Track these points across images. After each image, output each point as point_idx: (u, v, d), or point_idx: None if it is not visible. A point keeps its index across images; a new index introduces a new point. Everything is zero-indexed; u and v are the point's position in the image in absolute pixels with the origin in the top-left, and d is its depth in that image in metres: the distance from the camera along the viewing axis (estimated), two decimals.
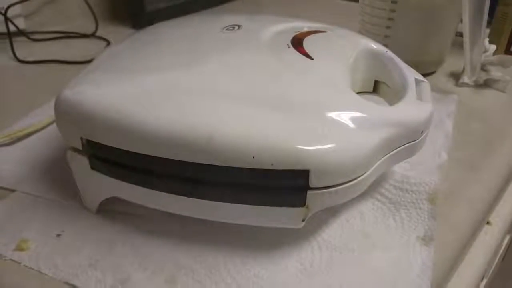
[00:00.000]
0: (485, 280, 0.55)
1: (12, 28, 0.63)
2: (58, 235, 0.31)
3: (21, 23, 0.66)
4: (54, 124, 0.44)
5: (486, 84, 0.55)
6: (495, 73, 0.54)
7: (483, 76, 0.55)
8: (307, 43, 0.34)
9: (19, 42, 0.64)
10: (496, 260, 0.57)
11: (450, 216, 0.35)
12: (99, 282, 0.28)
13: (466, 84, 0.55)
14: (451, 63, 0.60)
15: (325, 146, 0.26)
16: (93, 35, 0.69)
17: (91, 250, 0.30)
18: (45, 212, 0.33)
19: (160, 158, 0.27)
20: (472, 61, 0.52)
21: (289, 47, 0.33)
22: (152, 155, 0.27)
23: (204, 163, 0.26)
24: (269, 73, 0.30)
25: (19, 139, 0.42)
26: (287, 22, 0.38)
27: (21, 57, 0.60)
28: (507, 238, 0.63)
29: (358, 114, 0.28)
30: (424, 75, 0.35)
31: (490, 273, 0.55)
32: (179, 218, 0.31)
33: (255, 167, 0.25)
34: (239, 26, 0.36)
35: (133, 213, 0.33)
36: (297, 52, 0.33)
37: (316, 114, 0.27)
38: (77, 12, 0.72)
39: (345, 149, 0.26)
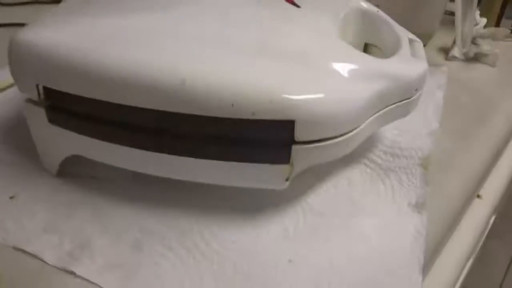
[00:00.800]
0: (471, 259, 0.53)
1: None
2: (11, 197, 0.28)
3: None
4: (15, 87, 0.40)
5: (476, 58, 0.53)
6: (485, 46, 0.52)
7: (474, 50, 0.53)
8: None
9: None
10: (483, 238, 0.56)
11: (442, 184, 0.32)
12: (54, 247, 0.25)
13: (456, 58, 0.53)
14: (441, 37, 0.58)
15: (313, 96, 0.23)
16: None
17: (47, 214, 0.27)
18: (0, 174, 0.30)
19: (125, 106, 0.23)
20: (463, 33, 0.50)
21: None
22: (116, 102, 0.23)
23: (175, 111, 0.23)
24: (253, 18, 0.27)
25: None
26: None
27: None
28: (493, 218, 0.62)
29: (349, 63, 0.25)
30: None
31: (477, 251, 0.54)
32: (147, 181, 0.28)
33: (234, 116, 0.22)
34: None
35: (96, 176, 0.29)
36: (284, 1, 0.30)
37: (303, 62, 0.24)
38: None
39: (335, 100, 0.24)
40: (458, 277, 0.36)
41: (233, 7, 0.28)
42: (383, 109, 0.27)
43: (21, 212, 0.27)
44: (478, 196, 0.41)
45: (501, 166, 0.46)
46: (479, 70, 0.52)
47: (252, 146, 0.24)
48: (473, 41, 0.53)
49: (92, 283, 0.23)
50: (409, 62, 0.29)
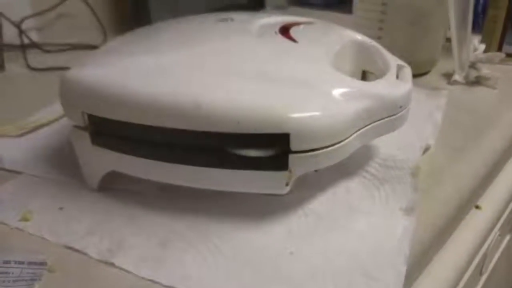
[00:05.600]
0: (484, 275, 0.55)
1: (26, 40, 0.67)
2: (61, 209, 0.33)
3: (34, 36, 0.70)
4: (60, 120, 0.47)
5: (477, 81, 0.57)
6: (485, 70, 0.56)
7: (474, 74, 0.57)
8: (293, 31, 0.37)
9: (32, 53, 0.68)
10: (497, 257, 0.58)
11: (435, 192, 0.36)
12: (96, 245, 0.30)
13: (458, 82, 0.57)
14: (444, 65, 0.62)
15: (304, 114, 0.28)
16: None
17: (90, 220, 0.32)
18: (49, 190, 0.36)
19: (152, 126, 0.29)
20: (460, 58, 0.54)
21: (276, 34, 0.36)
22: (148, 124, 0.29)
23: (192, 129, 0.28)
24: (255, 52, 0.32)
25: (29, 131, 0.45)
26: (278, 17, 0.41)
27: (33, 66, 0.63)
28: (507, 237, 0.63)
29: (337, 86, 0.30)
30: (417, 75, 0.37)
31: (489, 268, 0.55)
32: (172, 191, 0.33)
33: (240, 131, 0.28)
34: (232, 19, 0.39)
35: (130, 190, 0.35)
36: (283, 37, 0.35)
37: (296, 85, 0.29)
38: (87, 26, 0.76)
39: (323, 116, 0.28)
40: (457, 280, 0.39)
41: (238, 43, 0.34)
42: (371, 124, 0.32)
43: (69, 219, 0.32)
44: (477, 207, 0.44)
45: (502, 179, 0.49)
46: (480, 93, 0.56)
47: (255, 156, 0.28)
48: (474, 66, 0.57)
49: (128, 272, 0.28)
50: (392, 83, 0.33)
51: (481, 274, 0.53)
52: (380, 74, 0.38)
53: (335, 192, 0.35)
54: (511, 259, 0.71)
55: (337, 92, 0.30)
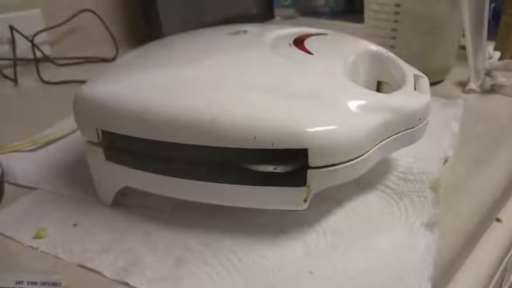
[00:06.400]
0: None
1: (38, 54, 0.67)
2: (75, 225, 0.33)
3: (47, 50, 0.71)
4: (73, 134, 0.47)
5: (493, 89, 0.56)
6: (501, 78, 0.55)
7: (489, 82, 0.56)
8: (308, 42, 0.36)
9: (45, 67, 0.68)
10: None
11: (456, 206, 0.35)
12: (111, 264, 0.29)
13: (473, 90, 0.56)
14: (459, 73, 0.61)
15: (323, 128, 0.27)
16: (113, 60, 0.73)
17: (104, 237, 0.32)
18: (63, 206, 0.35)
19: (167, 143, 0.28)
20: (475, 66, 0.53)
21: (290, 46, 0.35)
22: (162, 140, 0.29)
23: (207, 145, 0.28)
24: (270, 65, 0.32)
25: (42, 145, 0.45)
26: (291, 28, 0.41)
27: (46, 80, 0.64)
28: None
29: (355, 99, 0.29)
30: (431, 83, 0.37)
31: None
32: (187, 207, 0.33)
33: (256, 147, 0.27)
34: (245, 31, 0.39)
35: (144, 206, 0.34)
36: (298, 49, 0.35)
37: (314, 99, 0.29)
38: (99, 39, 0.76)
39: (341, 131, 0.28)
40: None
41: (253, 56, 0.33)
42: (389, 137, 0.31)
43: (83, 237, 0.32)
44: (498, 220, 0.42)
45: None
46: (496, 101, 0.55)
47: (272, 171, 0.28)
48: (489, 74, 0.56)
49: None
50: (411, 95, 0.32)
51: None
52: (396, 84, 0.38)
53: (353, 207, 0.34)
54: None
55: (355, 105, 0.29)
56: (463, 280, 0.35)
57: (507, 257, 0.48)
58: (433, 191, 0.35)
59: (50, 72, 0.66)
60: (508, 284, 0.55)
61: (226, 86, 0.29)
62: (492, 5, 0.73)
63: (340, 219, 0.33)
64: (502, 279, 0.50)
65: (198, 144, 0.28)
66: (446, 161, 0.40)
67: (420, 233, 0.31)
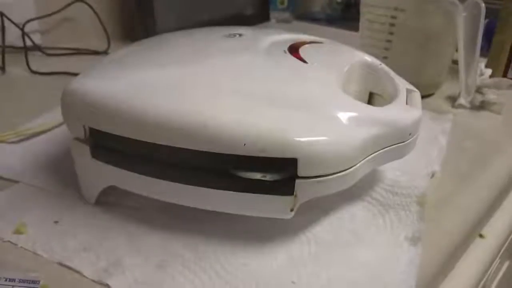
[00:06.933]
0: None
1: (28, 43, 0.66)
2: (56, 222, 0.32)
3: (38, 38, 0.69)
4: (60, 127, 0.46)
5: (482, 106, 0.57)
6: (491, 95, 0.56)
7: (479, 98, 0.56)
8: (303, 50, 0.36)
9: (34, 56, 0.67)
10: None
11: (441, 221, 0.35)
12: (92, 264, 0.29)
13: (463, 106, 0.56)
14: (449, 87, 0.62)
15: (314, 138, 0.27)
16: (105, 53, 0.72)
17: (86, 236, 0.31)
18: (45, 201, 0.34)
19: (156, 144, 0.28)
20: (467, 82, 0.53)
21: (285, 53, 0.35)
22: (150, 141, 0.28)
23: (197, 149, 0.27)
24: (264, 71, 0.32)
25: (27, 138, 0.44)
26: (287, 34, 0.40)
27: (34, 69, 0.63)
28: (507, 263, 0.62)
29: (348, 111, 0.29)
30: (422, 96, 0.37)
31: None
32: (172, 210, 0.32)
33: (246, 154, 0.27)
34: (240, 35, 0.38)
35: (129, 206, 0.34)
36: (292, 57, 0.34)
37: (306, 109, 0.29)
38: (91, 31, 0.75)
39: (332, 142, 0.28)
40: None
41: (248, 62, 0.33)
42: (379, 150, 0.31)
43: (64, 234, 0.31)
44: (481, 236, 0.43)
45: (506, 207, 0.48)
46: (485, 118, 0.55)
47: (260, 179, 0.28)
48: (479, 90, 0.57)
49: None
50: (403, 110, 0.33)
51: None
52: (388, 97, 0.38)
53: (339, 217, 0.34)
54: (510, 285, 0.70)
55: (347, 117, 0.29)
56: None
57: (488, 273, 0.48)
58: (419, 206, 0.35)
59: (39, 62, 0.65)
60: None
61: (218, 91, 0.29)
62: (485, 21, 0.74)
63: (325, 229, 0.32)
64: None
65: (187, 147, 0.27)
66: (433, 175, 0.40)
67: (404, 247, 0.31)
